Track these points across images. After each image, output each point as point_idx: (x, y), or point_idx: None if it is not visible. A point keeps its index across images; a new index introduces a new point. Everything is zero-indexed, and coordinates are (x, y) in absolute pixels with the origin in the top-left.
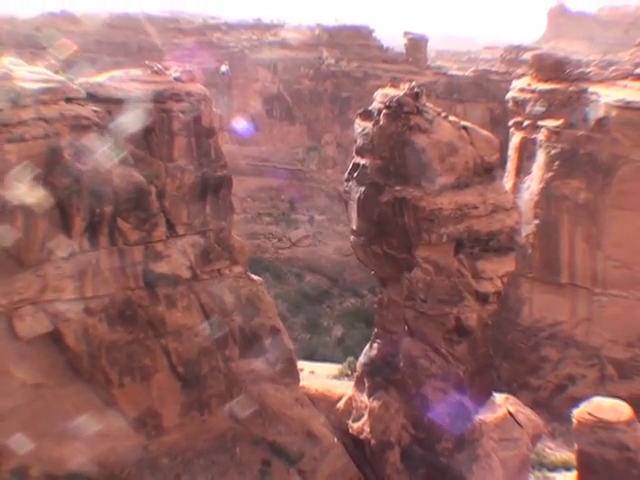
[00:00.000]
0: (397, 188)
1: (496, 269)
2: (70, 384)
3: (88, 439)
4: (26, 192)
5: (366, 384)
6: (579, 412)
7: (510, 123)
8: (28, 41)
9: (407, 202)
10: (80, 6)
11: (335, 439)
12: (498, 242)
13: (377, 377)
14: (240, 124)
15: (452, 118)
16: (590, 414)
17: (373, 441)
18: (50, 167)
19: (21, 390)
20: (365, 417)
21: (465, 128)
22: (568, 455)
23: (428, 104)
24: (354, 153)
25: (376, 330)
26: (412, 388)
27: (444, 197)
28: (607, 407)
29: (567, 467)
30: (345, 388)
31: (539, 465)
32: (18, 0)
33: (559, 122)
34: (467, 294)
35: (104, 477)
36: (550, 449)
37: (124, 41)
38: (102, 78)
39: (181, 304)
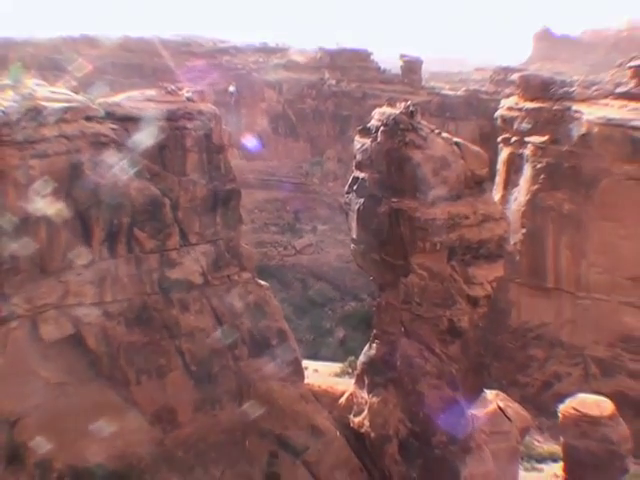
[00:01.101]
0: (394, 200)
1: (486, 274)
2: (90, 383)
3: (108, 434)
4: (49, 204)
5: (366, 381)
6: (565, 407)
7: (499, 139)
8: (50, 63)
9: (403, 213)
10: (98, 30)
11: (337, 432)
12: (488, 250)
13: (376, 375)
14: (249, 141)
15: (445, 135)
16: (575, 409)
17: (373, 434)
18: (71, 181)
19: (45, 389)
20: (365, 412)
21: (457, 144)
22: (555, 447)
23: (422, 122)
24: (354, 167)
25: (375, 331)
26: (409, 385)
27: (437, 208)
28: (591, 403)
29: (554, 459)
30: (346, 385)
31: (528, 457)
32: (37, 23)
33: (544, 138)
34: (459, 298)
35: (123, 469)
36: (538, 442)
37: (139, 63)
38: (119, 98)
39: (194, 308)
